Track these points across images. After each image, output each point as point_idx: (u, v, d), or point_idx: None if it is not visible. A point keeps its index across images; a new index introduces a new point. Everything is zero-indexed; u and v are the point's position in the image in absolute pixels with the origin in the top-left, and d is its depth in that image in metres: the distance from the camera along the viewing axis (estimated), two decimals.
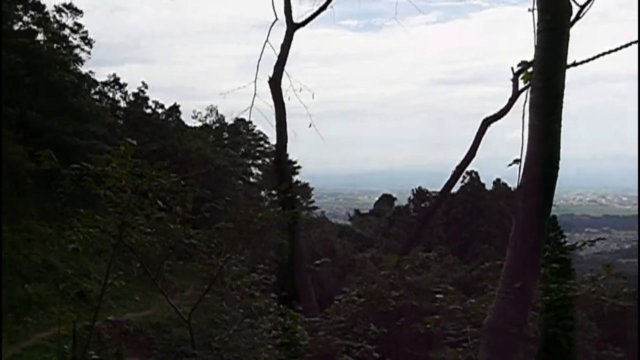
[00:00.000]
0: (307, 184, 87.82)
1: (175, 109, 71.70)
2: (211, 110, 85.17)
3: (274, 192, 59.40)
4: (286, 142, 19.56)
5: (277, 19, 20.33)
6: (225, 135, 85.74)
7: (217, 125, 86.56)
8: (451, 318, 13.05)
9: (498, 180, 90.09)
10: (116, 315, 37.53)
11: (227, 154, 71.49)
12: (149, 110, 68.63)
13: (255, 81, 20.04)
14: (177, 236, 9.68)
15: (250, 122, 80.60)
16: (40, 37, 56.41)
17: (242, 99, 21.04)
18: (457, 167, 22.19)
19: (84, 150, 49.81)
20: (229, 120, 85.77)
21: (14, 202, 42.91)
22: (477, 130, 21.34)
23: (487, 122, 21.16)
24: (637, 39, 7.04)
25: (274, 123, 19.57)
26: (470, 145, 21.50)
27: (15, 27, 54.15)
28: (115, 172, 8.67)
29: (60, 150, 48.99)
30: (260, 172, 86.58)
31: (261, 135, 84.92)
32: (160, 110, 70.03)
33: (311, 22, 20.36)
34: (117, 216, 9.06)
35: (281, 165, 20.66)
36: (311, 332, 13.25)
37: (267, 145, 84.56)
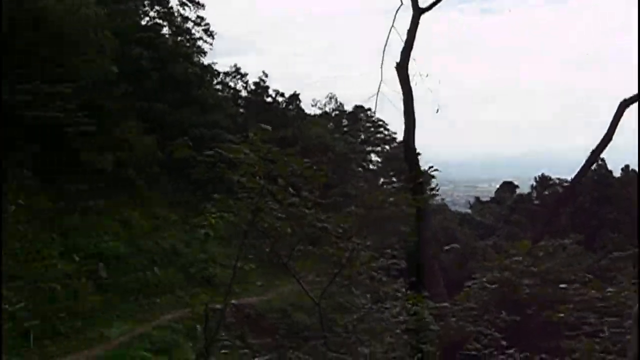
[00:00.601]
0: (429, 169, 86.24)
1: (295, 97, 72.52)
2: (330, 98, 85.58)
3: (393, 178, 58.98)
4: (414, 127, 19.23)
5: (402, 3, 20.03)
6: (345, 122, 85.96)
7: (337, 112, 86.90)
8: (586, 307, 12.54)
9: (627, 166, 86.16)
10: (239, 299, 38.46)
11: (347, 141, 71.63)
12: (269, 99, 69.86)
13: (381, 67, 19.85)
14: (310, 220, 9.66)
15: (369, 109, 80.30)
16: (165, 30, 58.42)
17: (364, 87, 21.01)
18: (592, 152, 21.10)
19: (208, 140, 51.32)
20: (348, 108, 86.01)
21: (143, 191, 44.78)
22: (614, 113, 20.27)
23: (625, 104, 20.10)
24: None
25: (401, 109, 19.25)
26: (607, 129, 20.42)
27: (143, 23, 56.30)
28: (249, 159, 8.76)
29: (188, 139, 50.78)
30: (379, 159, 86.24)
31: (380, 122, 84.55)
32: (280, 99, 71.13)
33: (436, 6, 19.92)
34: (250, 201, 9.14)
35: (410, 151, 20.30)
36: (440, 318, 13.04)
37: (386, 132, 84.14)
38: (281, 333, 38.95)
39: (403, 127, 19.37)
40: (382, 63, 19.83)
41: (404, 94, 19.14)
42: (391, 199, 11.26)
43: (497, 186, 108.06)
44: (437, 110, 19.94)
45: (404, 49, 19.37)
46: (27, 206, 32.91)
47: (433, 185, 19.24)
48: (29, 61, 36.90)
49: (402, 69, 19.20)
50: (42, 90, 35.99)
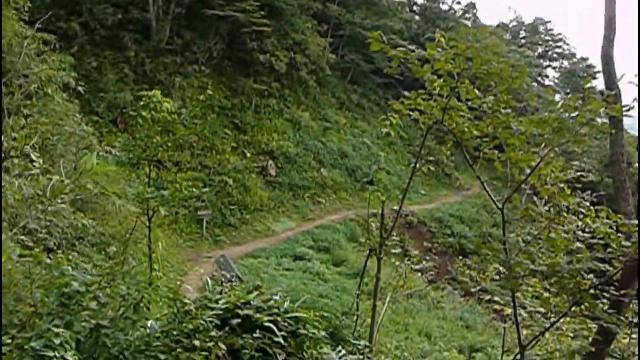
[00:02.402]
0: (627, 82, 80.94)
1: (471, 5, 70.09)
2: (509, 8, 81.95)
3: (569, 95, 55.99)
4: (614, 34, 17.85)
5: None
6: (522, 34, 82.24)
7: (515, 24, 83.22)
8: None
9: None
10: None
11: (523, 54, 68.65)
12: (445, 7, 67.99)
13: None
14: (505, 121, 9.01)
15: (549, 21, 76.09)
16: None
17: None
18: None
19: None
20: (528, 20, 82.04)
21: (315, 93, 45.56)
22: None
23: None
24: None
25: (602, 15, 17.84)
26: None
27: None
28: (444, 55, 8.34)
29: (357, 44, 50.79)
30: (556, 75, 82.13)
31: (560, 36, 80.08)
32: (457, 7, 69.08)
33: None
34: (440, 100, 8.74)
35: (608, 59, 18.87)
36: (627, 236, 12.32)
37: (565, 47, 79.67)
38: (439, 242, 39.13)
39: (592, 39, 18.02)
40: None
41: None
42: (589, 107, 10.37)
43: None
44: None
45: None
46: (205, 102, 34.51)
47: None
48: None
49: None
50: None
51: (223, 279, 18.43)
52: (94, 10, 34.19)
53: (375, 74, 52.62)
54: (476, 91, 8.50)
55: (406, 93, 8.90)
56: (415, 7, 67.35)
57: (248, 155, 35.83)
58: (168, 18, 36.94)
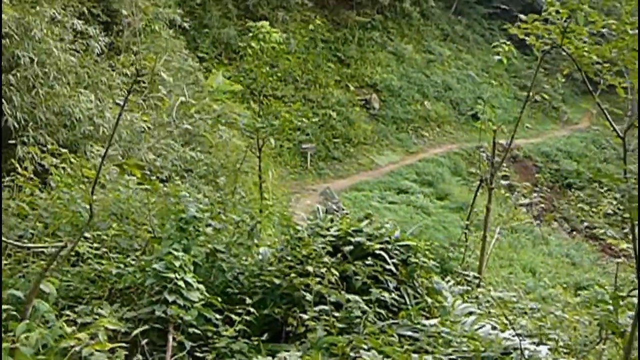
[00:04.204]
0: None
1: None
2: None
3: None
4: None
5: None
6: None
7: None
8: None
9: None
10: (507, 139, 37.88)
11: None
12: None
13: None
14: (632, 45, 8.31)
15: None
16: None
17: None
18: None
19: None
20: None
21: (419, 24, 44.62)
22: None
23: None
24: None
25: None
26: None
27: None
28: None
29: None
30: None
31: None
32: None
33: None
34: (559, 23, 8.28)
35: None
36: None
37: None
38: (546, 177, 38.17)
39: None
40: None
41: None
42: None
43: None
44: None
45: None
46: (308, 35, 34.41)
47: None
48: None
49: None
50: None
51: (328, 210, 18.66)
52: None
53: (479, 4, 51.00)
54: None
55: (522, 17, 8.50)
56: None
57: (351, 88, 35.69)
58: None
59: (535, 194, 30.26)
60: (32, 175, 8.45)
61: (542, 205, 33.50)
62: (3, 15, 9.71)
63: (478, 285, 8.84)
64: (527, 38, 8.45)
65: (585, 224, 32.81)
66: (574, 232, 32.77)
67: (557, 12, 8.00)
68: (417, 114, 37.76)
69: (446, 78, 41.94)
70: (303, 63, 33.53)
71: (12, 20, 10.52)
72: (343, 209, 22.97)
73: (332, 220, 7.46)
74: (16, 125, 11.90)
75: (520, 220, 24.31)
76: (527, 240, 27.96)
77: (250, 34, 9.03)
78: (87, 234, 6.47)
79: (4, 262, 6.14)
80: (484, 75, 45.33)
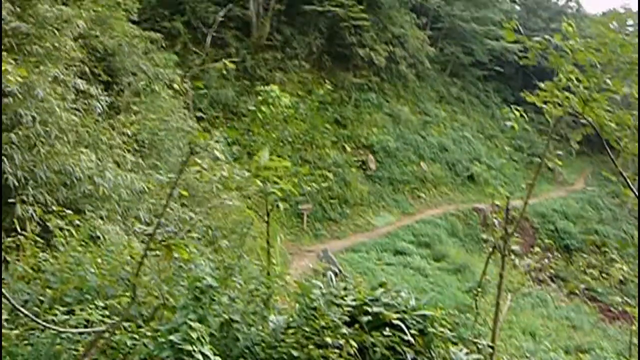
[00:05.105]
0: None
1: None
2: None
3: None
4: None
5: None
6: (630, 22, 78.91)
7: (624, 10, 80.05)
8: None
9: None
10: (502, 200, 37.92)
11: (632, 44, 65.66)
12: None
13: None
14: None
15: None
16: None
17: None
18: None
19: (480, 35, 50.07)
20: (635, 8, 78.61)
21: (414, 86, 45.11)
22: None
23: None
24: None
25: None
26: None
27: None
28: (588, 45, 7.91)
29: (456, 36, 50.03)
30: None
31: None
32: None
33: None
34: (580, 91, 8.25)
35: None
36: None
37: None
38: (542, 238, 38.14)
39: None
40: None
41: None
42: None
43: None
44: None
45: None
46: (304, 96, 34.71)
47: None
48: None
49: None
50: None
51: (329, 273, 18.38)
52: (197, 9, 34.95)
53: (474, 67, 51.77)
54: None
55: (541, 85, 8.45)
56: None
57: (348, 149, 35.82)
58: (268, 15, 37.33)
59: (532, 256, 30.15)
60: (35, 237, 8.27)
61: (540, 266, 33.37)
62: (9, 76, 9.65)
63: (492, 355, 8.59)
64: (544, 106, 8.41)
65: (583, 285, 32.74)
66: (572, 295, 32.63)
67: (578, 80, 7.99)
68: (414, 175, 37.86)
69: (442, 139, 42.22)
70: (299, 123, 33.64)
71: (17, 80, 10.45)
72: (340, 271, 22.72)
73: (345, 288, 7.27)
74: (16, 184, 11.74)
75: (517, 282, 24.14)
76: (525, 302, 27.74)
77: (260, 98, 8.98)
78: (99, 302, 6.25)
79: (13, 330, 5.92)
80: (479, 136, 45.71)
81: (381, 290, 7.21)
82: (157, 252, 6.46)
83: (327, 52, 39.53)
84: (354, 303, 6.85)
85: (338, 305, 6.75)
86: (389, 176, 36.43)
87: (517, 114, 9.24)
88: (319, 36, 38.87)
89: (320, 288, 7.13)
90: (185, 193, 8.19)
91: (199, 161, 5.81)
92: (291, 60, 37.22)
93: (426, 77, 46.96)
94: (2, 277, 7.16)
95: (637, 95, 7.83)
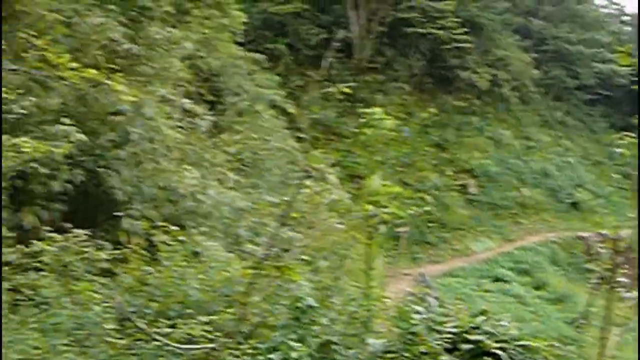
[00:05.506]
0: None
1: None
2: None
3: None
4: None
5: None
6: None
7: None
8: None
9: None
10: (610, 229, 36.51)
11: None
12: None
13: None
14: None
15: None
16: None
17: None
18: None
19: (587, 58, 48.69)
20: None
21: (517, 110, 44.17)
22: None
23: None
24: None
25: None
26: None
27: None
28: None
29: (562, 59, 48.83)
30: None
31: None
32: None
33: None
34: None
35: None
36: None
37: None
38: None
39: None
40: None
41: None
42: None
43: None
44: None
45: None
46: (405, 119, 34.59)
47: None
48: None
49: None
50: (426, 7, 37.11)
51: (430, 299, 18.15)
52: (299, 31, 35.54)
53: (580, 90, 50.28)
54: None
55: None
56: (625, 18, 63.47)
57: (448, 172, 35.45)
58: (370, 37, 37.52)
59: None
60: (140, 251, 8.51)
61: None
62: (122, 96, 10.03)
63: None
64: None
65: None
66: None
67: None
68: (515, 200, 36.99)
69: (545, 164, 41.10)
70: (401, 146, 33.58)
71: (129, 100, 10.83)
72: (437, 297, 22.36)
73: (446, 315, 7.12)
74: (123, 198, 12.14)
75: (630, 318, 23.06)
76: (631, 337, 26.47)
77: (363, 120, 8.98)
78: (201, 317, 6.36)
79: (120, 339, 6.09)
80: (584, 162, 44.28)
81: (482, 317, 7.02)
82: (262, 271, 6.53)
83: (429, 74, 39.36)
84: (454, 330, 6.70)
85: (438, 332, 6.62)
86: (489, 201, 35.76)
87: (628, 139, 8.85)
88: (420, 58, 38.78)
89: (420, 313, 7.01)
90: (296, 215, 8.20)
91: (310, 183, 5.84)
92: (392, 82, 37.28)
93: (529, 101, 45.92)
94: (110, 287, 7.42)
95: None
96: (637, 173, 8.32)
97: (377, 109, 9.17)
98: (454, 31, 37.28)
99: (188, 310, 6.78)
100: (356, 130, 9.43)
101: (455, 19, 37.39)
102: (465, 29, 37.87)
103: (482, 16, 41.43)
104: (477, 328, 6.78)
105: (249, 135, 20.29)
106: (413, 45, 38.33)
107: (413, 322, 6.63)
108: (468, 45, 38.28)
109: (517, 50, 44.46)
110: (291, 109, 28.67)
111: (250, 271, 5.86)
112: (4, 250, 8.29)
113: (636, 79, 8.18)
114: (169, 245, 8.51)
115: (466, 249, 31.89)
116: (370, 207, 6.89)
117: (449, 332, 6.68)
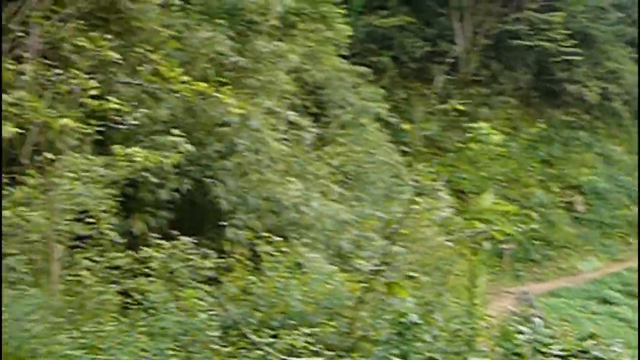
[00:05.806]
0: None
1: None
2: None
3: None
4: None
5: None
6: None
7: None
8: None
9: None
10: None
11: None
12: None
13: None
14: None
15: None
16: None
17: None
18: None
19: None
20: None
21: (629, 125, 42.31)
22: None
23: None
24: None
25: None
26: None
27: None
28: None
29: None
30: None
31: None
32: None
33: None
34: None
35: None
36: None
37: None
38: None
39: None
40: None
41: None
42: None
43: None
44: None
45: None
46: (510, 133, 33.90)
47: None
48: None
49: None
50: (534, 19, 36.34)
51: (536, 319, 17.63)
52: (404, 44, 35.43)
53: None
54: None
55: None
56: None
57: (554, 189, 34.43)
58: (475, 50, 37.01)
59: None
60: (244, 260, 8.66)
61: None
62: (230, 108, 10.29)
63: None
64: None
65: None
66: None
67: None
68: (625, 219, 35.47)
69: None
70: (504, 162, 32.96)
71: (237, 112, 11.05)
72: (540, 317, 21.69)
73: (552, 336, 6.88)
74: (228, 208, 12.38)
75: None
76: None
77: (469, 134, 8.86)
78: (303, 329, 6.40)
79: (224, 347, 6.20)
80: None
81: (591, 341, 6.76)
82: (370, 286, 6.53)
83: (535, 87, 38.36)
84: (561, 353, 6.47)
85: (544, 354, 6.41)
86: (597, 219, 34.45)
87: None
88: (526, 71, 37.88)
89: (524, 333, 6.82)
90: (405, 232, 8.15)
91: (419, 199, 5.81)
92: (497, 96, 36.58)
93: None
94: (215, 295, 7.59)
95: None
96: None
97: (483, 124, 9.02)
98: (563, 43, 36.23)
99: (290, 321, 6.84)
100: (461, 144, 9.31)
101: (564, 31, 36.31)
102: (575, 41, 36.73)
103: (593, 27, 40.02)
104: (586, 352, 6.52)
105: (352, 148, 20.36)
106: (519, 58, 37.48)
107: (517, 342, 6.45)
108: (577, 57, 37.07)
109: (630, 62, 42.64)
110: (397, 122, 28.63)
111: (359, 285, 5.85)
112: (114, 255, 8.62)
113: None
114: (272, 255, 8.62)
115: (572, 268, 30.88)
116: (478, 223, 6.77)
117: (556, 355, 6.46)
